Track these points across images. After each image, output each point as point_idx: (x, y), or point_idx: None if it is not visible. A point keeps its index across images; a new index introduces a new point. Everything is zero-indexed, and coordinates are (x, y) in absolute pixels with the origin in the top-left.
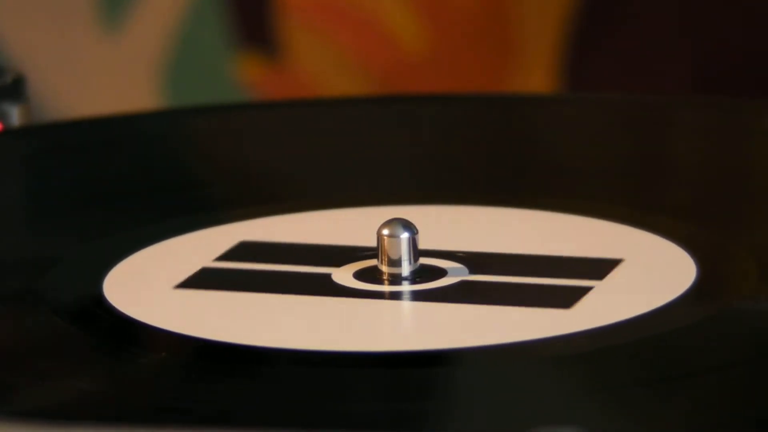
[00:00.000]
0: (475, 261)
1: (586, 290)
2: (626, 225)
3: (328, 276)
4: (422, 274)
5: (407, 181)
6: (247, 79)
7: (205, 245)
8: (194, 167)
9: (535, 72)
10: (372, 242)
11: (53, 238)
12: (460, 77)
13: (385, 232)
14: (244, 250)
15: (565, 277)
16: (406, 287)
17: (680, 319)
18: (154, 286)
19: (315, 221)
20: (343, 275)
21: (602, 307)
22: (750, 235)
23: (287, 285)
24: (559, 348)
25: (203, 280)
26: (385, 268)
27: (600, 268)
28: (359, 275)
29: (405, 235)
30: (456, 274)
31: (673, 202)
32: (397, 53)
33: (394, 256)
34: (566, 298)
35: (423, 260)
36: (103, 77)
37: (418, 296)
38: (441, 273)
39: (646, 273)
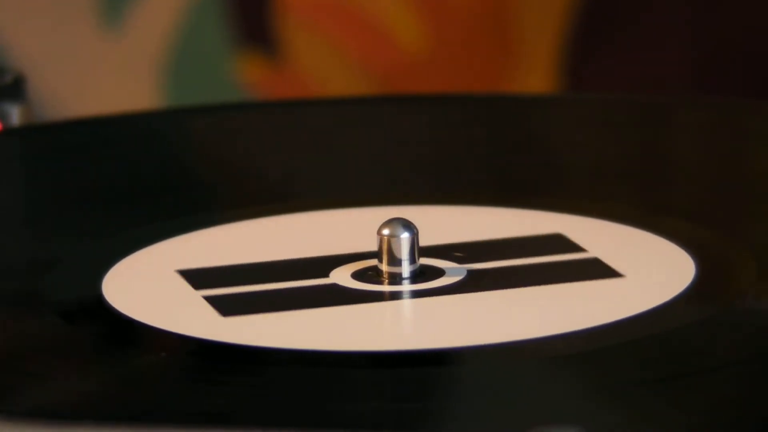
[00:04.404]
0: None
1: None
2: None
3: (327, 276)
4: (422, 273)
5: (407, 181)
6: (247, 79)
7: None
8: (194, 167)
9: (535, 72)
10: (372, 242)
11: (53, 238)
12: (460, 77)
13: (385, 232)
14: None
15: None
16: (405, 287)
17: (679, 319)
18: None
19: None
20: (342, 275)
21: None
22: (750, 235)
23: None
24: (559, 348)
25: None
26: (384, 268)
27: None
28: (358, 275)
29: (405, 235)
30: (455, 274)
31: (673, 202)
32: (397, 53)
33: (394, 256)
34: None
35: (423, 260)
36: (103, 77)
37: (417, 296)
38: (440, 273)
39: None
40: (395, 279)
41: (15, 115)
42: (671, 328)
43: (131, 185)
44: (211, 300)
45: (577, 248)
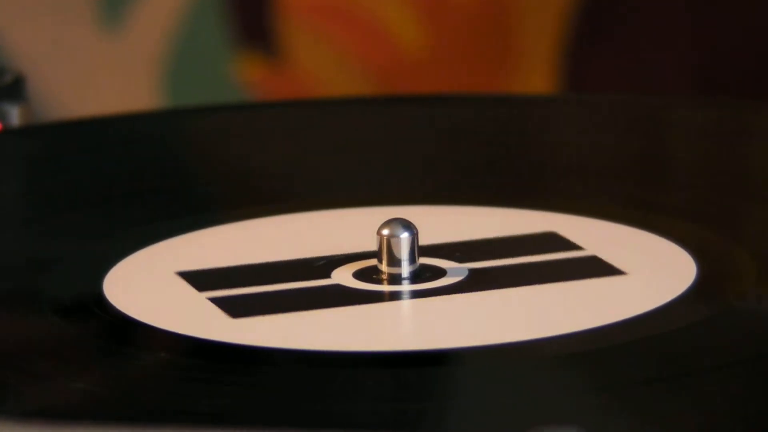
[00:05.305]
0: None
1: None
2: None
3: (327, 276)
4: (422, 274)
5: (407, 181)
6: (247, 79)
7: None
8: (194, 167)
9: (535, 72)
10: (372, 242)
11: (53, 238)
12: (460, 77)
13: (385, 232)
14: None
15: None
16: (405, 287)
17: (680, 319)
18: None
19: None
20: (343, 275)
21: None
22: (750, 235)
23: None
24: (559, 348)
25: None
26: (384, 268)
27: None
28: (359, 275)
29: (405, 235)
30: (455, 274)
31: (673, 202)
32: (396, 53)
33: (394, 256)
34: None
35: (423, 260)
36: (103, 77)
37: (417, 296)
38: (440, 273)
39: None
40: (395, 279)
41: (15, 115)
42: (672, 328)
43: (131, 185)
44: (213, 300)
45: (577, 247)
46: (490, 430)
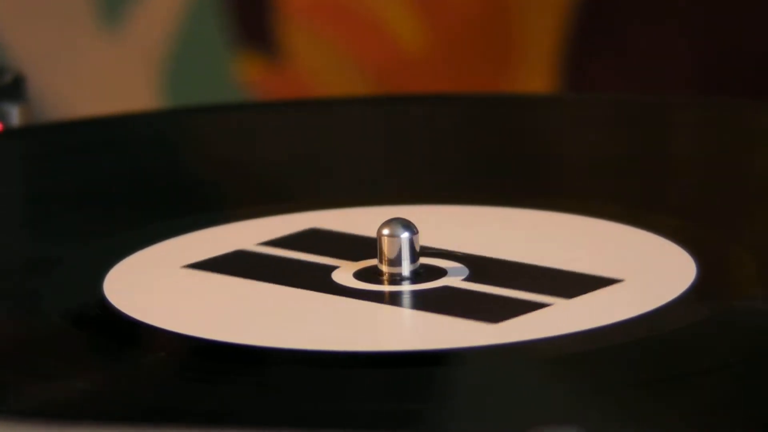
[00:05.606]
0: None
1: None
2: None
3: (328, 276)
4: (422, 273)
5: (407, 181)
6: (247, 79)
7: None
8: (194, 167)
9: (535, 72)
10: (372, 242)
11: (53, 238)
12: (459, 77)
13: (385, 232)
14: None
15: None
16: (405, 287)
17: (680, 319)
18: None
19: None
20: (343, 275)
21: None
22: (750, 235)
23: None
24: (558, 348)
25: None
26: (385, 268)
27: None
28: (359, 275)
29: (405, 235)
30: (456, 274)
31: (673, 202)
32: (396, 53)
33: (394, 256)
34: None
35: (423, 260)
36: (103, 77)
37: (417, 296)
38: (441, 273)
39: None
40: (395, 279)
41: (15, 115)
42: (672, 328)
43: (131, 185)
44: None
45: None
46: (490, 430)
